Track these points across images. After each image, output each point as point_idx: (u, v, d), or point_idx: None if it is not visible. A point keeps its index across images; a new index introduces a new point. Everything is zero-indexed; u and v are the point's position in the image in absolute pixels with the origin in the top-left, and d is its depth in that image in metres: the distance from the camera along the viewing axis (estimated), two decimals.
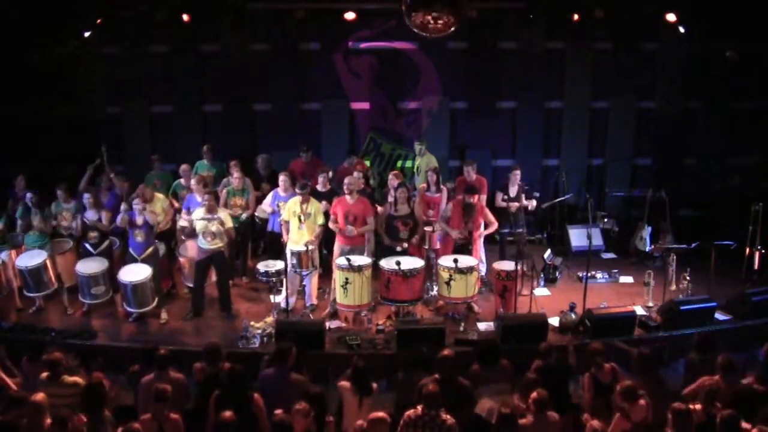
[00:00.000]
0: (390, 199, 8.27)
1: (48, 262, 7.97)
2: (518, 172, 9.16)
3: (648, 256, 9.54)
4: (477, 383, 5.76)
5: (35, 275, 7.88)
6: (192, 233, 8.03)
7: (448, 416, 4.98)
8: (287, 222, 8.03)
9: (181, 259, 8.54)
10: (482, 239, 8.90)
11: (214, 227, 7.83)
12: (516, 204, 8.96)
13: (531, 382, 5.53)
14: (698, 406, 5.22)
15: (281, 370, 5.68)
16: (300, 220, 7.94)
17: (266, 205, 8.71)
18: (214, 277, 8.32)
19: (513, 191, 9.09)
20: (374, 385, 5.70)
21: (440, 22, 7.22)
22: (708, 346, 6.08)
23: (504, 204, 8.89)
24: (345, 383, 5.66)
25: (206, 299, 8.25)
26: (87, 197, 8.06)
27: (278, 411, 4.99)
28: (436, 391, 5.01)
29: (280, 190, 8.63)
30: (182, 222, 8.41)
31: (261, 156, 9.88)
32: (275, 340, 7.02)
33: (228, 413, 4.88)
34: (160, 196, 8.60)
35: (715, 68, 10.37)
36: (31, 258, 7.93)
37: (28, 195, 8.18)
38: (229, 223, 8.00)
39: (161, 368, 5.71)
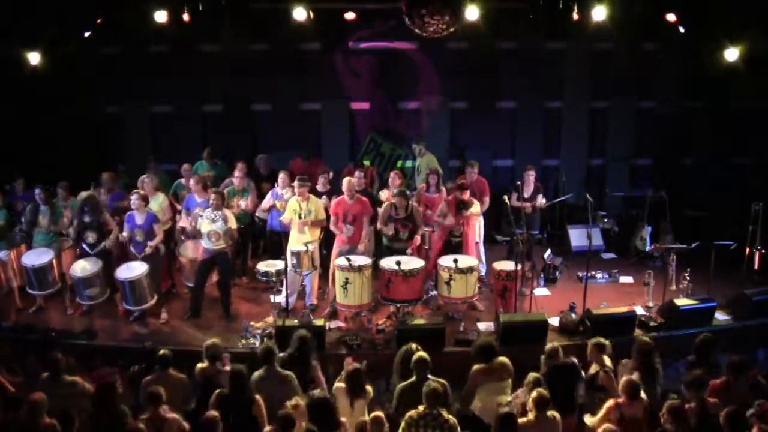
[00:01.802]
0: (384, 194, 8.32)
1: (54, 262, 7.96)
2: (533, 172, 9.15)
3: (648, 256, 9.54)
4: (477, 383, 5.78)
5: (40, 274, 7.85)
6: (196, 234, 7.99)
7: (450, 416, 4.98)
8: (289, 221, 8.03)
9: (182, 259, 8.54)
10: (482, 241, 8.92)
11: (219, 228, 7.83)
12: (528, 204, 8.95)
13: (537, 381, 5.52)
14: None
15: (269, 370, 5.67)
16: (300, 217, 7.94)
17: (265, 203, 8.71)
18: (215, 278, 8.31)
19: (528, 192, 9.08)
20: (368, 387, 5.68)
21: (441, 24, 7.22)
22: (708, 349, 6.09)
23: (519, 204, 8.89)
24: (340, 384, 5.66)
25: (206, 299, 8.25)
26: (87, 205, 7.94)
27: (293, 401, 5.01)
28: (438, 390, 5.01)
29: (278, 188, 8.64)
30: (182, 222, 8.42)
31: (260, 156, 9.89)
32: (275, 340, 7.01)
33: (212, 413, 4.89)
34: (159, 194, 8.60)
35: (715, 68, 10.37)
36: (38, 256, 7.91)
37: (37, 191, 8.16)
38: (234, 224, 8.00)
39: (162, 368, 5.72)
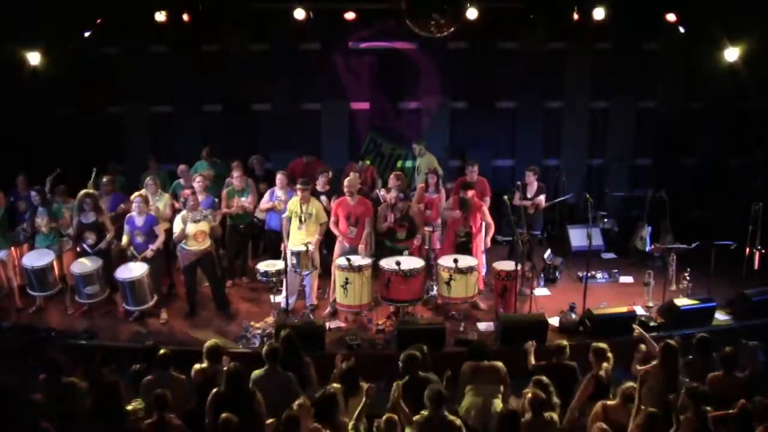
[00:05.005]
0: (382, 193, 8.40)
1: (54, 263, 7.94)
2: (532, 173, 9.15)
3: (648, 256, 9.53)
4: (464, 380, 5.78)
5: (40, 275, 7.83)
6: (181, 238, 7.88)
7: (454, 417, 4.95)
8: (290, 220, 8.02)
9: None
10: (483, 242, 8.91)
11: (203, 226, 7.81)
12: (529, 203, 8.96)
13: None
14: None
15: (271, 370, 5.65)
16: (300, 220, 7.94)
17: (263, 204, 8.71)
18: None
19: (531, 191, 9.08)
20: (364, 386, 5.65)
21: (442, 24, 7.24)
22: (707, 347, 6.09)
23: (520, 203, 8.90)
24: (335, 385, 5.64)
25: (202, 299, 8.26)
26: (87, 201, 7.93)
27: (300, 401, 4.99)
28: (442, 392, 4.97)
29: (276, 188, 8.64)
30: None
31: (254, 157, 9.89)
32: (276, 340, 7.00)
33: (228, 415, 4.86)
34: (164, 195, 8.61)
35: (715, 68, 10.39)
36: (39, 257, 7.89)
37: (33, 194, 8.16)
38: (214, 222, 8.00)
39: (162, 368, 5.71)
